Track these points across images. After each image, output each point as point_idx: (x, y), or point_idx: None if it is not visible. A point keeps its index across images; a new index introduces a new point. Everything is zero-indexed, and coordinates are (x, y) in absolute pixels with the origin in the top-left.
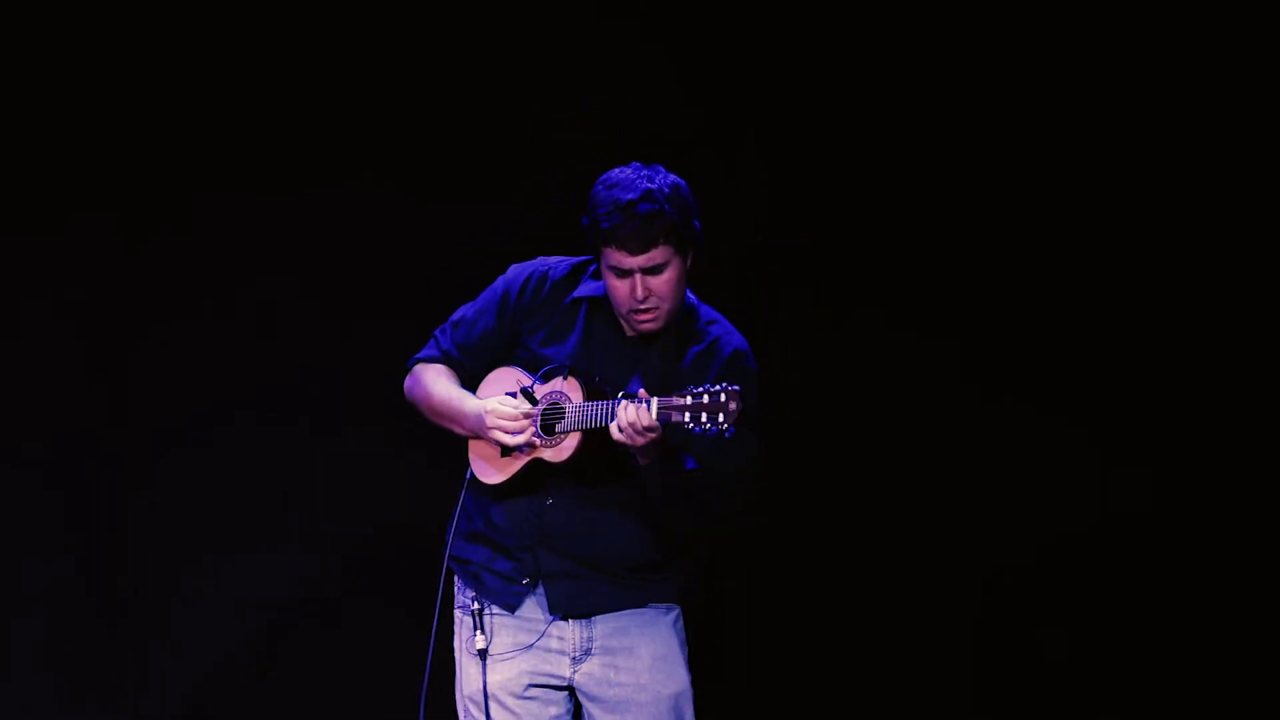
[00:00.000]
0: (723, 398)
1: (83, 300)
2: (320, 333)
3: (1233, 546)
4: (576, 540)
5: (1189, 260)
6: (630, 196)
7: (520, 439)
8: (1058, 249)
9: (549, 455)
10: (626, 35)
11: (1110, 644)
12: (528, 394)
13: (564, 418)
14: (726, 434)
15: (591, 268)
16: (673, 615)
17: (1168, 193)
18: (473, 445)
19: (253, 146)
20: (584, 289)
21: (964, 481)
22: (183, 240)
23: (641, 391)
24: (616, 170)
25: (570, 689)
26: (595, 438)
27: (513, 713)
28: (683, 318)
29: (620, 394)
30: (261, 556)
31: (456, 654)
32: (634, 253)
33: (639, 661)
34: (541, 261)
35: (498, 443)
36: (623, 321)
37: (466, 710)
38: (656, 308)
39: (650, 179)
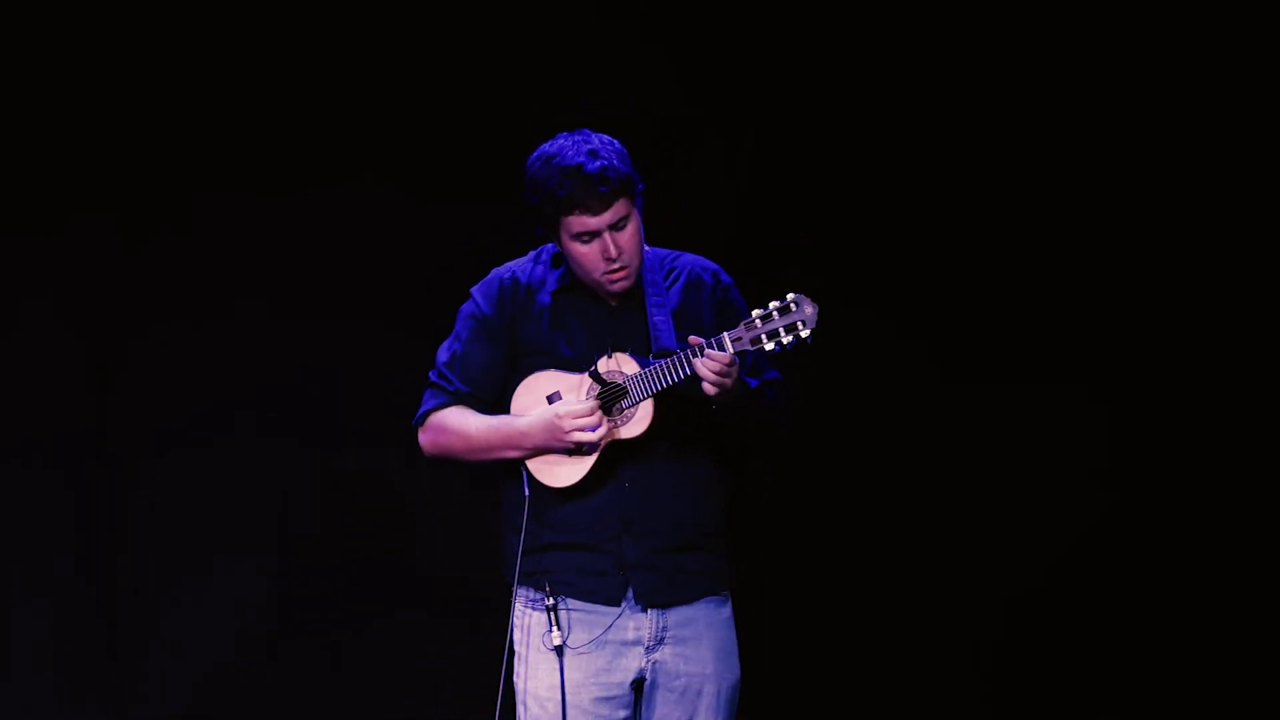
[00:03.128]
0: (793, 307)
1: (83, 300)
2: (320, 333)
3: (1239, 551)
4: (657, 518)
5: (1196, 259)
6: (576, 160)
7: (601, 432)
8: (1064, 250)
9: (625, 432)
10: (627, 35)
11: (1114, 647)
12: (596, 376)
13: (627, 392)
14: (809, 342)
15: (544, 257)
16: (728, 606)
17: (1174, 192)
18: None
19: (253, 147)
20: (552, 282)
21: (965, 482)
22: (183, 240)
23: (693, 338)
24: (545, 145)
25: (636, 681)
26: (666, 399)
27: (586, 712)
28: (647, 266)
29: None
30: (261, 557)
31: (520, 649)
32: (597, 212)
33: (705, 651)
34: (501, 270)
35: (576, 444)
36: (597, 292)
37: (528, 706)
38: (627, 265)
39: (586, 140)
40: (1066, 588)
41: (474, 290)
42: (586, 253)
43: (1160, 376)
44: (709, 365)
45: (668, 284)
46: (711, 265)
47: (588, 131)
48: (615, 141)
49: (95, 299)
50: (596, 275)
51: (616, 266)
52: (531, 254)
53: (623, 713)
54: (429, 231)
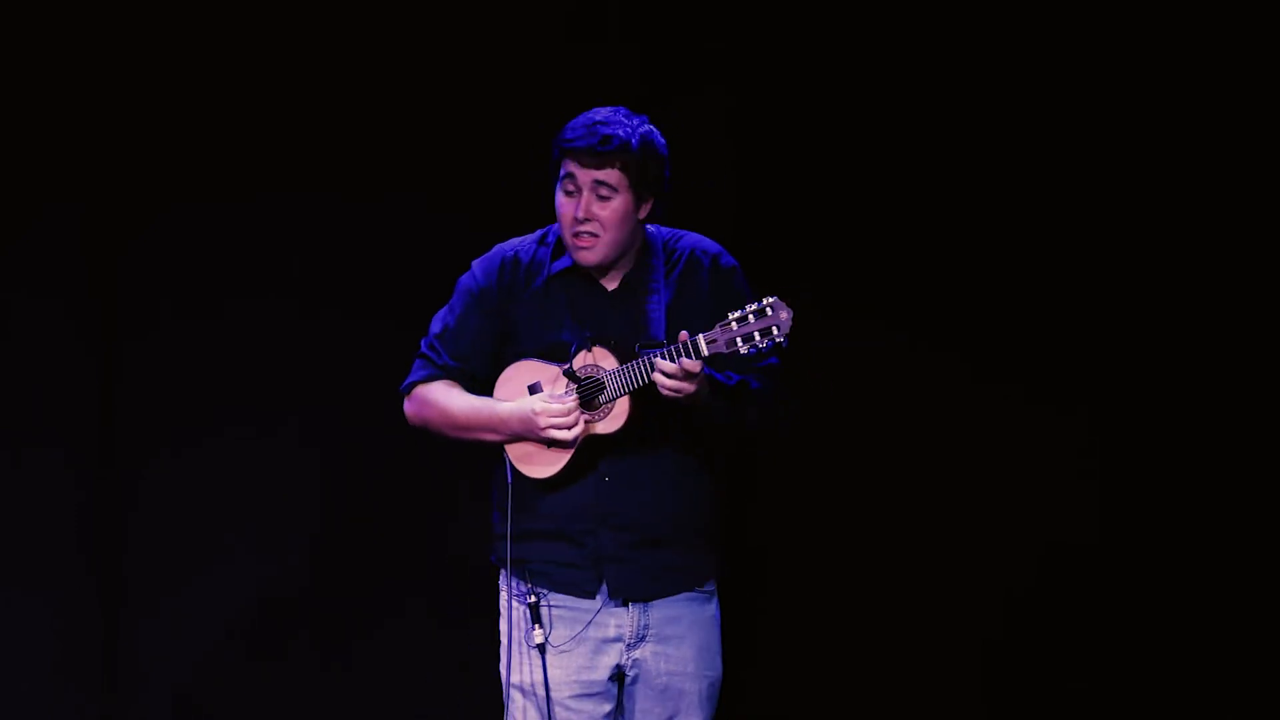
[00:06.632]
0: (769, 311)
1: (83, 300)
2: (318, 334)
3: (1239, 551)
4: (636, 514)
5: (1195, 257)
6: (598, 118)
7: (576, 431)
8: (1065, 250)
9: (602, 428)
10: (624, 45)
11: (1112, 647)
12: (571, 374)
13: (604, 388)
14: (784, 345)
15: (549, 239)
16: (713, 604)
17: (1176, 185)
18: (511, 445)
19: (256, 145)
20: (551, 266)
21: (962, 482)
22: (182, 242)
23: (683, 334)
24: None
25: (616, 675)
26: (643, 396)
27: (569, 709)
28: (651, 251)
29: (658, 348)
30: (260, 556)
31: (504, 639)
32: (585, 165)
33: (687, 650)
34: (503, 246)
35: (552, 440)
36: (570, 250)
37: (512, 698)
38: (596, 235)
39: (628, 116)
40: (1065, 588)
41: (475, 262)
42: (564, 203)
43: (1160, 377)
44: (663, 372)
45: (668, 269)
46: (714, 249)
47: (644, 118)
48: (656, 134)
49: (94, 300)
50: (567, 234)
51: (583, 230)
52: (538, 233)
53: (606, 708)
54: (429, 231)
